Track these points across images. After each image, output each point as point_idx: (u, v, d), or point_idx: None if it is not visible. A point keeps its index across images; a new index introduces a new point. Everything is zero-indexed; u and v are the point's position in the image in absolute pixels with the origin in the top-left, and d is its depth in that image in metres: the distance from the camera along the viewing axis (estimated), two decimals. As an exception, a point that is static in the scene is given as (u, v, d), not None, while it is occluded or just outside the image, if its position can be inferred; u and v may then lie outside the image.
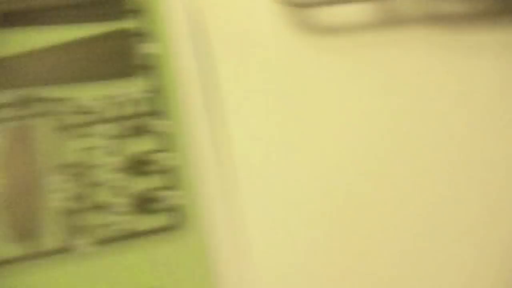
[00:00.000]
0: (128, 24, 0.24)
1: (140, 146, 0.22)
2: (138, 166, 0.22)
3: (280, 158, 0.23)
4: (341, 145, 0.23)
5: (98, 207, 0.21)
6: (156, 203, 0.21)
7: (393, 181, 0.22)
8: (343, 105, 0.24)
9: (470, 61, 0.24)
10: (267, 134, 0.23)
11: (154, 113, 0.22)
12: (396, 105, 0.24)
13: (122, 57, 0.23)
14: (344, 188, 0.22)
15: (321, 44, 0.24)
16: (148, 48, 0.23)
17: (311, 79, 0.24)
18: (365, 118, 0.23)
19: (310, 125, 0.23)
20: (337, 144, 0.23)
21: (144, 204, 0.21)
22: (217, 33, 0.24)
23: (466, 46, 0.25)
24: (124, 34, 0.24)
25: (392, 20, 0.25)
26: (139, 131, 0.22)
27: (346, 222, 0.22)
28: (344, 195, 0.22)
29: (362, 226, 0.22)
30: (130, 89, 0.23)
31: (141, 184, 0.21)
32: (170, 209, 0.21)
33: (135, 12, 0.24)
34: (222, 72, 0.24)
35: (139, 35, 0.24)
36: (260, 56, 0.24)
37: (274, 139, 0.23)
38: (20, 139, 0.22)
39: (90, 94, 0.23)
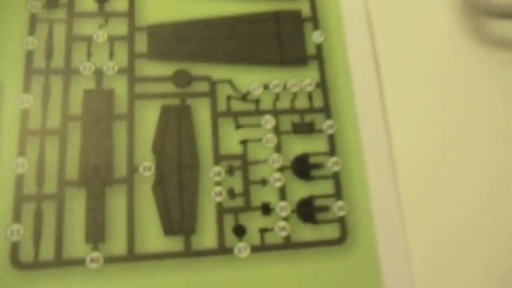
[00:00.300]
0: (301, 5, 0.21)
1: (305, 145, 0.20)
2: (303, 168, 0.19)
3: (440, 166, 0.21)
4: (498, 158, 0.21)
5: (259, 209, 0.19)
6: (322, 212, 0.19)
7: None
8: (504, 121, 0.22)
9: None
10: (427, 140, 0.21)
11: (321, 111, 0.20)
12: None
13: (292, 42, 0.21)
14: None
15: (497, 57, 0.22)
16: (319, 37, 0.21)
17: (479, 91, 0.22)
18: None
19: (469, 136, 0.21)
20: (496, 157, 0.21)
21: (308, 211, 0.19)
22: (387, 32, 0.22)
23: None
24: (296, 16, 0.21)
25: None
26: (304, 129, 0.20)
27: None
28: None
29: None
30: (297, 80, 0.20)
31: (305, 189, 0.19)
32: (337, 220, 0.19)
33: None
34: (388, 73, 0.21)
35: (311, 20, 0.21)
36: (428, 61, 0.22)
37: (434, 146, 0.21)
38: (178, 119, 0.19)
39: (253, 79, 0.20)
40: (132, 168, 0.18)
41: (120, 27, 0.20)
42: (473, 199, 0.20)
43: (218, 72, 0.20)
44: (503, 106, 0.22)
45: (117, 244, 0.18)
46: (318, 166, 0.19)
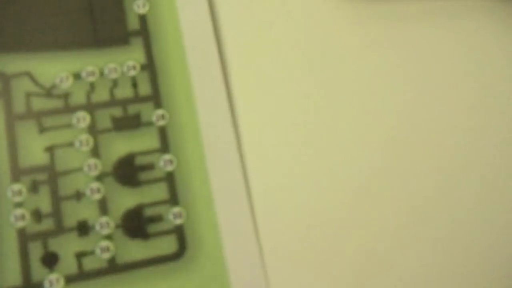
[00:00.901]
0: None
1: (130, 144, 0.16)
2: (128, 172, 0.16)
3: (301, 159, 0.18)
4: (364, 124, 0.18)
5: (74, 229, 0.15)
6: (154, 223, 0.16)
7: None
8: (371, 80, 0.19)
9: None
10: (286, 125, 0.18)
11: (149, 99, 0.17)
12: (435, 82, 0.19)
13: (108, 16, 0.17)
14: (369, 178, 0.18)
15: (356, 12, 0.19)
16: (142, 6, 0.17)
17: (341, 49, 0.19)
18: (394, 94, 0.19)
19: (338, 116, 0.18)
20: (360, 123, 0.18)
21: (137, 224, 0.16)
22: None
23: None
24: (107, -15, 0.17)
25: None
26: (128, 123, 0.16)
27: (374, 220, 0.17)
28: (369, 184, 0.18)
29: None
30: (118, 63, 0.17)
31: (132, 198, 0.16)
32: (173, 231, 0.16)
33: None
34: (234, 46, 0.18)
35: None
36: (286, 27, 0.18)
37: (294, 133, 0.18)
38: (-39, 130, 0.15)
39: (60, 69, 0.16)
40: None
41: None
42: (341, 196, 0.17)
43: (12, 64, 0.16)
44: (374, 65, 0.19)
45: None
46: (148, 167, 0.16)
